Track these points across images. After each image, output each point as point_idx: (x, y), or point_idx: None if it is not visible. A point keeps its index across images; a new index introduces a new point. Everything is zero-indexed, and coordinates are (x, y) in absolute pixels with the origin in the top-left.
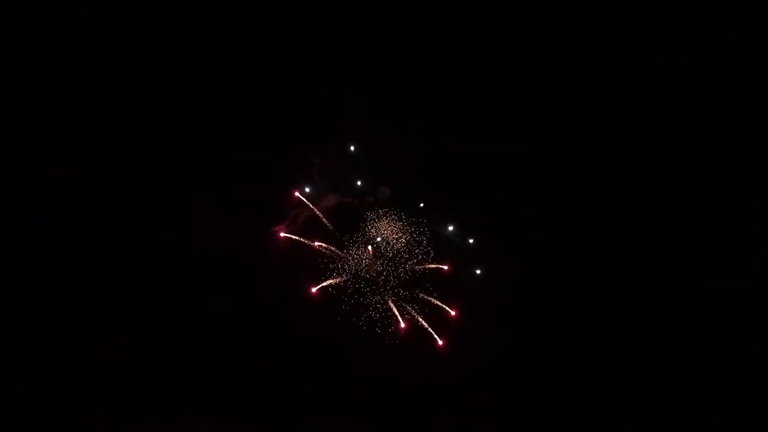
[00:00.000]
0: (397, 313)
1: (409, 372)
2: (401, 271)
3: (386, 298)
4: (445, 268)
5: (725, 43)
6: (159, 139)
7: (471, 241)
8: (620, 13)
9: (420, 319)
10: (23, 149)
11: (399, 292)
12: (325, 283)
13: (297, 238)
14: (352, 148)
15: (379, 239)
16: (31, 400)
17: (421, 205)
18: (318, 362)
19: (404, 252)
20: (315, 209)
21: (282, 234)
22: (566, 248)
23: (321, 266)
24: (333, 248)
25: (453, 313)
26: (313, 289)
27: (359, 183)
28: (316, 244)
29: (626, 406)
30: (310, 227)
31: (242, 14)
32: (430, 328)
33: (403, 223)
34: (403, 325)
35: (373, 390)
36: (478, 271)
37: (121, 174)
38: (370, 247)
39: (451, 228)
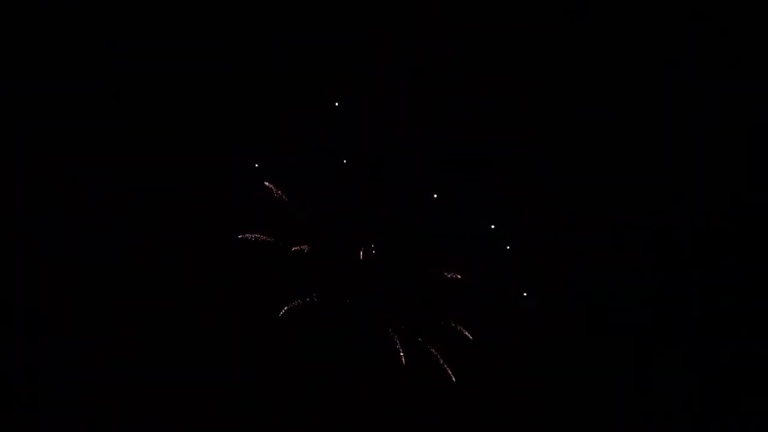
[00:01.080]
0: (399, 347)
1: (409, 372)
2: (404, 280)
3: (387, 324)
4: (459, 277)
5: (725, 43)
6: (159, 139)
7: (508, 247)
8: (620, 13)
9: (432, 350)
10: (23, 149)
11: (400, 310)
12: (292, 304)
13: (265, 238)
14: (337, 104)
15: (374, 247)
16: (31, 400)
17: (435, 195)
18: (317, 363)
19: (408, 255)
20: (287, 199)
21: (241, 236)
22: (566, 248)
23: (296, 275)
24: (309, 247)
25: (471, 337)
26: (280, 314)
27: (345, 161)
28: (294, 248)
29: (626, 406)
30: (284, 224)
31: (242, 14)
32: (445, 365)
33: (407, 219)
34: (404, 362)
35: (373, 390)
36: (525, 293)
37: (121, 174)
38: (362, 251)
39: (493, 226)
